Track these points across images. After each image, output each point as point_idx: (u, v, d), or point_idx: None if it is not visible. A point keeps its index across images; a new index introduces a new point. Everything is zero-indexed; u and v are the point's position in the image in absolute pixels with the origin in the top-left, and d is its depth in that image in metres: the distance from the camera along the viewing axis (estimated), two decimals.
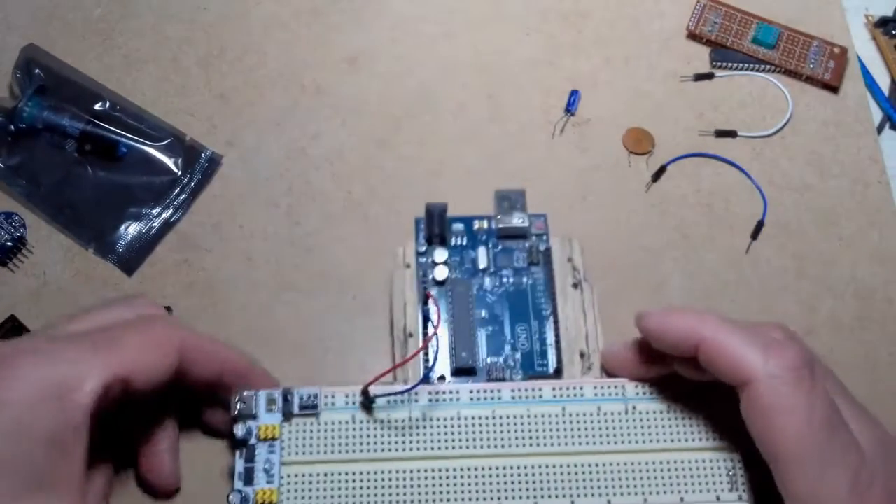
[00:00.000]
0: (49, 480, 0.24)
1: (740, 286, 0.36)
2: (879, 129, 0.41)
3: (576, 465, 0.29)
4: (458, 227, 0.35)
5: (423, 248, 0.34)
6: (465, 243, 0.34)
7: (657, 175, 0.38)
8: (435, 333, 0.32)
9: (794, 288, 0.36)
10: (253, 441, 0.29)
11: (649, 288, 0.36)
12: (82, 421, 0.25)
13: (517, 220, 0.34)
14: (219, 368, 0.29)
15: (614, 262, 0.36)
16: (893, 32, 0.43)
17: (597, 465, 0.29)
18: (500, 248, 0.34)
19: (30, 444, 0.24)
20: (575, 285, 0.34)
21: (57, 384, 0.24)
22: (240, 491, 0.28)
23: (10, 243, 0.35)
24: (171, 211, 0.37)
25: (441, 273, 0.33)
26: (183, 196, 0.37)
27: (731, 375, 0.26)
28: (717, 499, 0.29)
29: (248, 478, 0.28)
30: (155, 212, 0.37)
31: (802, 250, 0.37)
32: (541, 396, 0.30)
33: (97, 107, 0.38)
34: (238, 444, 0.29)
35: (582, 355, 0.32)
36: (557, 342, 0.32)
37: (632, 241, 0.37)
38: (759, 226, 0.37)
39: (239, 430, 0.29)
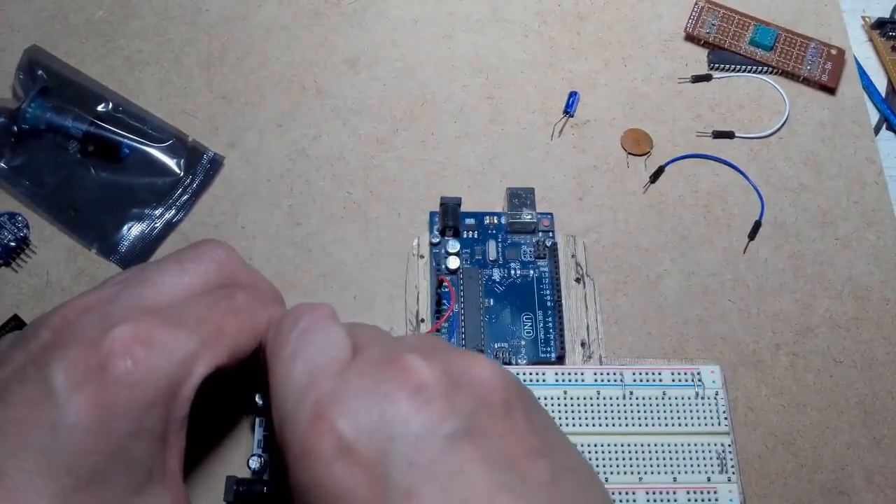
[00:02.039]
0: (158, 473, 0.24)
1: (737, 286, 0.36)
2: (876, 131, 0.41)
3: (575, 445, 0.30)
4: (470, 221, 0.36)
5: (437, 240, 0.36)
6: (476, 236, 0.36)
7: (655, 176, 0.39)
8: (450, 312, 0.34)
9: (792, 288, 0.36)
10: None
11: (647, 288, 0.36)
12: (186, 413, 0.25)
13: (527, 217, 0.36)
14: None
15: (613, 261, 0.37)
16: (890, 34, 0.43)
17: (595, 446, 0.31)
18: (508, 241, 0.36)
19: (145, 442, 0.24)
20: (578, 280, 0.35)
21: (171, 383, 0.24)
22: (259, 456, 0.30)
23: (13, 243, 0.35)
24: (173, 212, 0.37)
25: (453, 263, 0.35)
26: (185, 197, 0.37)
27: None
28: (708, 479, 0.31)
29: (267, 445, 0.30)
30: (157, 212, 0.37)
31: (799, 250, 0.37)
32: (544, 380, 0.32)
33: (100, 108, 0.38)
34: (259, 412, 0.30)
35: (583, 344, 0.34)
36: (561, 331, 0.34)
37: (630, 242, 0.37)
38: (757, 226, 0.38)
39: (260, 398, 0.30)
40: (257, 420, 0.31)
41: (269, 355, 0.25)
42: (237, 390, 0.31)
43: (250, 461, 0.30)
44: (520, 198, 0.37)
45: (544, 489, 0.20)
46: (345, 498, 0.20)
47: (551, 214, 0.37)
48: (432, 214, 0.37)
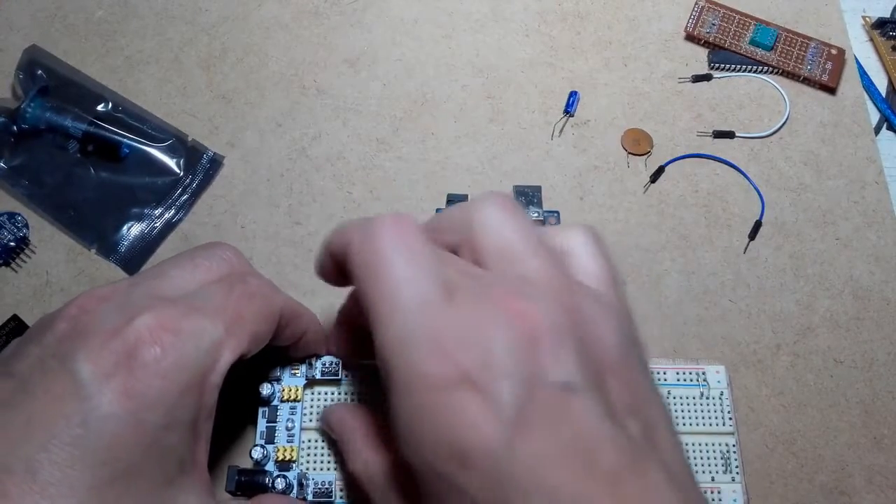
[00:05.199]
0: (188, 463, 0.24)
1: (738, 286, 0.36)
2: (877, 130, 0.41)
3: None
4: None
5: None
6: None
7: (655, 176, 0.39)
8: None
9: (792, 287, 0.36)
10: (276, 402, 0.31)
11: (648, 288, 0.36)
12: (214, 402, 0.25)
13: (534, 215, 0.36)
14: (302, 332, 0.29)
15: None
16: (891, 34, 0.43)
17: None
18: None
19: (177, 433, 0.23)
20: None
21: (201, 371, 0.24)
22: (262, 447, 0.30)
23: (13, 243, 0.35)
24: (172, 211, 0.37)
25: None
26: (185, 197, 0.37)
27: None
28: (713, 479, 0.31)
29: (270, 436, 0.30)
30: (157, 212, 0.37)
31: (800, 250, 0.37)
32: None
33: (99, 108, 0.38)
34: (262, 402, 0.31)
35: None
36: None
37: (630, 242, 0.37)
38: (757, 226, 0.38)
39: (264, 389, 0.30)
40: (260, 411, 0.31)
41: (362, 264, 0.24)
42: (241, 381, 0.31)
43: (252, 451, 0.30)
44: (527, 196, 0.36)
45: (643, 443, 0.21)
46: (462, 422, 0.20)
47: (558, 213, 0.36)
48: (438, 210, 0.37)
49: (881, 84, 0.42)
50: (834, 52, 0.41)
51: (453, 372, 0.21)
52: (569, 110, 0.40)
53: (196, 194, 0.37)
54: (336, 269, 0.27)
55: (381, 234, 0.23)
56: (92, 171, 0.37)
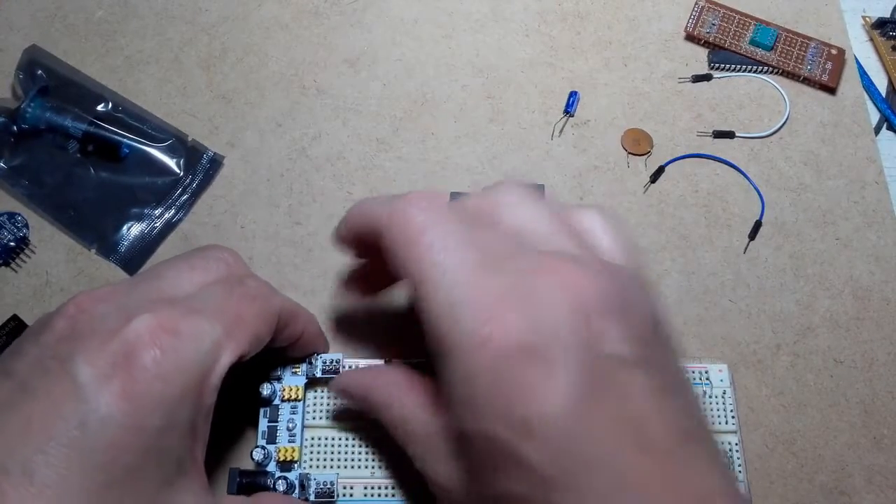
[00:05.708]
0: (187, 464, 0.24)
1: (738, 286, 0.36)
2: (877, 130, 0.41)
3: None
4: None
5: None
6: None
7: (655, 176, 0.39)
8: None
9: (792, 287, 0.36)
10: (277, 402, 0.31)
11: None
12: (212, 403, 0.25)
13: None
14: (300, 332, 0.30)
15: None
16: (891, 34, 0.43)
17: None
18: None
19: (176, 435, 0.24)
20: None
21: (200, 373, 0.24)
22: (263, 447, 0.30)
23: (12, 243, 0.35)
24: (172, 211, 0.37)
25: None
26: (185, 197, 0.37)
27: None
28: None
29: (272, 436, 0.30)
30: (157, 212, 0.37)
31: (800, 250, 0.37)
32: None
33: (99, 108, 0.38)
34: (263, 403, 0.31)
35: None
36: None
37: None
38: (757, 226, 0.38)
39: (265, 388, 0.30)
40: (261, 411, 0.31)
41: (400, 239, 0.24)
42: (241, 382, 0.31)
43: (254, 453, 0.30)
44: None
45: (688, 422, 0.21)
46: (525, 391, 0.20)
47: None
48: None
49: (881, 84, 0.42)
50: (834, 52, 0.41)
51: (512, 337, 0.21)
52: (569, 110, 0.40)
53: (196, 194, 0.37)
54: (359, 243, 0.28)
55: (415, 208, 0.24)
56: (92, 171, 0.37)
